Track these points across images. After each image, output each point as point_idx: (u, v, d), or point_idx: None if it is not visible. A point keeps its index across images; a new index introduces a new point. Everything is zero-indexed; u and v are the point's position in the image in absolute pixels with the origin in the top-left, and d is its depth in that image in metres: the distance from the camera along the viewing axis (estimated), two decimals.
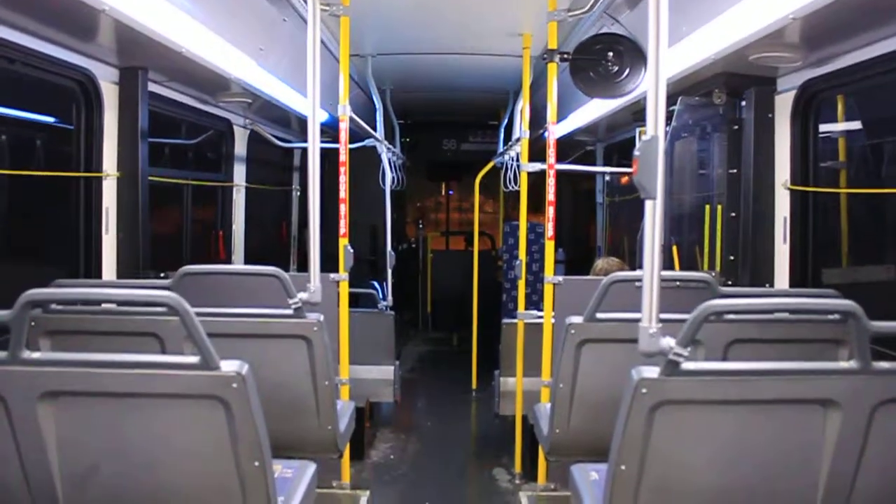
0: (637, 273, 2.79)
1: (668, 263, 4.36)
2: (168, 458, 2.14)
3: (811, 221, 3.81)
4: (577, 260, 8.68)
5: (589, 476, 2.68)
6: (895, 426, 2.02)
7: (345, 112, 4.28)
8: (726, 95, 4.04)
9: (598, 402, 3.02)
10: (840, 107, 3.76)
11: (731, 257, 4.12)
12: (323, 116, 4.99)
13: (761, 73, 3.79)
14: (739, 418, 2.07)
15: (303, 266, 7.11)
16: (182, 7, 3.37)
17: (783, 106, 3.84)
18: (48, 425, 2.06)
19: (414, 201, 12.43)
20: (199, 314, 2.03)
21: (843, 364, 2.02)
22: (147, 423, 2.10)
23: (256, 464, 2.11)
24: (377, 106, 6.70)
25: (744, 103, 4.04)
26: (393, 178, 6.97)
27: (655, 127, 1.99)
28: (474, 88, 7.73)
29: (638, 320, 2.01)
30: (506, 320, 5.51)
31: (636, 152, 2.01)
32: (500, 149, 8.27)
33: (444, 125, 11.02)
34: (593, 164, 7.83)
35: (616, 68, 4.51)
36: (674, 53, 3.61)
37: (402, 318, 8.67)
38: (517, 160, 5.91)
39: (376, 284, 7.39)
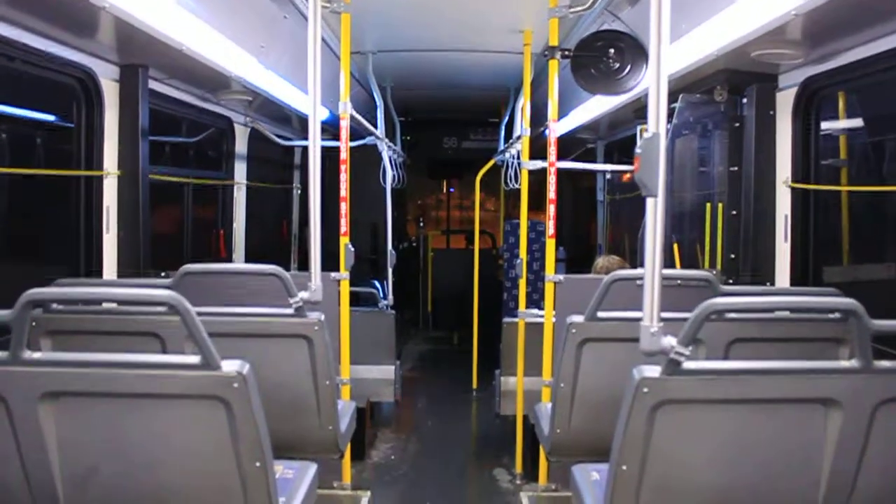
0: (638, 271, 2.78)
1: (668, 262, 4.36)
2: (169, 459, 2.14)
3: (812, 219, 3.81)
4: (577, 258, 8.68)
5: (590, 476, 2.68)
6: None
7: (346, 110, 4.27)
8: (727, 92, 4.03)
9: (600, 401, 3.02)
10: (841, 104, 3.75)
11: (732, 255, 4.12)
12: (324, 114, 4.99)
13: (763, 69, 3.78)
14: (741, 417, 2.07)
15: (303, 265, 7.12)
16: (183, 4, 3.37)
17: (784, 103, 3.83)
18: (49, 425, 2.05)
19: (415, 199, 12.42)
20: (199, 313, 2.02)
21: (845, 363, 2.02)
22: (148, 423, 2.10)
23: (257, 464, 2.11)
24: (378, 103, 6.69)
25: (745, 100, 4.04)
26: (394, 176, 6.97)
27: (657, 124, 1.98)
28: (475, 86, 7.72)
29: (639, 319, 2.00)
30: (506, 319, 5.51)
31: (638, 150, 2.00)
32: (501, 146, 8.26)
33: (444, 123, 11.00)
34: (594, 161, 7.82)
35: (617, 65, 4.50)
36: (675, 50, 3.60)
37: (402, 317, 8.67)
38: (518, 158, 5.90)
39: (377, 283, 7.39)
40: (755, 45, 3.29)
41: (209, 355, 2.00)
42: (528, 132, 5.16)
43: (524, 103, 5.27)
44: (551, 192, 4.48)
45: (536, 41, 5.05)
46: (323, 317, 3.03)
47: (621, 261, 4.76)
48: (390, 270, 6.37)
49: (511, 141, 6.95)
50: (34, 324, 2.74)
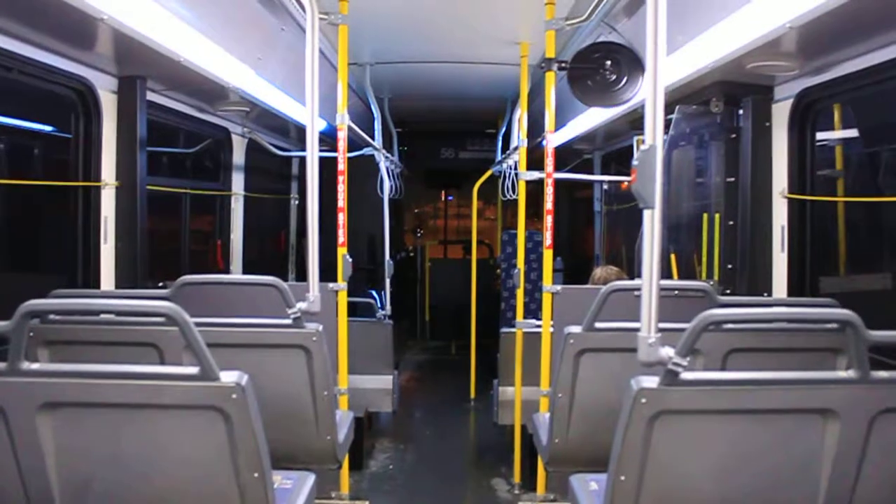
0: (636, 282, 2.79)
1: (666, 272, 4.37)
2: (167, 469, 2.13)
3: (809, 230, 3.82)
4: (575, 269, 8.69)
5: (588, 486, 2.67)
6: (894, 435, 2.02)
7: (343, 121, 4.27)
8: (723, 104, 4.05)
9: (597, 411, 3.01)
10: (837, 115, 3.77)
11: (730, 266, 4.12)
12: (321, 125, 4.99)
13: (758, 81, 3.80)
14: (738, 428, 2.07)
15: (301, 275, 7.12)
16: (180, 16, 3.38)
17: (780, 114, 3.85)
18: (47, 436, 2.05)
19: (412, 210, 12.44)
20: (197, 324, 2.02)
21: (842, 374, 2.02)
22: (146, 434, 2.10)
23: (256, 475, 2.10)
24: (375, 114, 6.71)
25: (741, 112, 4.05)
26: (391, 186, 6.98)
27: (653, 136, 1.99)
28: (472, 97, 7.74)
29: (637, 330, 2.01)
30: (504, 329, 5.51)
31: (635, 161, 2.01)
32: (499, 157, 8.28)
33: (441, 133, 11.03)
34: (591, 172, 7.83)
35: (614, 77, 4.51)
36: (671, 62, 3.62)
37: (400, 327, 8.67)
38: (515, 168, 5.92)
39: (375, 293, 7.39)
40: (751, 57, 3.31)
41: (207, 366, 2.00)
42: (525, 143, 5.18)
43: (521, 114, 5.29)
44: (548, 203, 4.49)
45: (533, 53, 5.07)
46: (321, 327, 3.03)
47: (619, 271, 4.77)
48: (388, 281, 6.37)
49: (508, 152, 6.97)
50: (32, 334, 2.73)
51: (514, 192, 6.70)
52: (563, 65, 4.47)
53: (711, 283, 4.07)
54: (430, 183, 11.99)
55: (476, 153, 11.09)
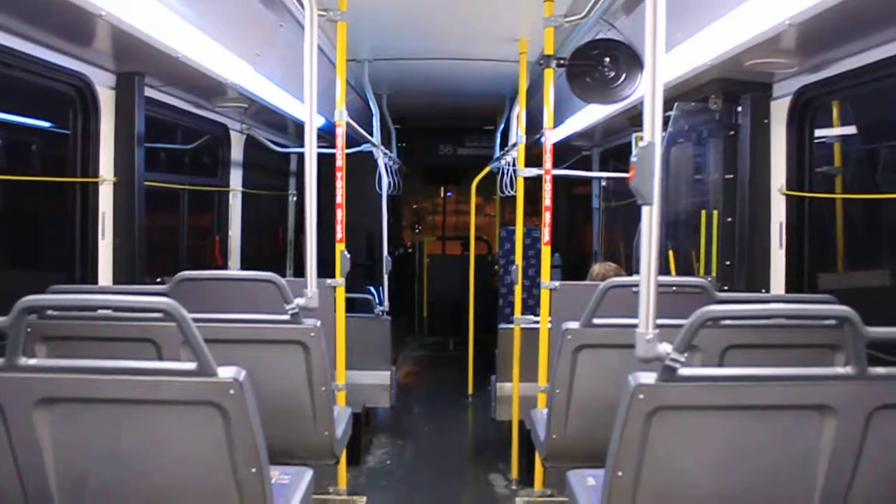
0: (634, 278, 2.79)
1: (664, 268, 4.37)
2: (165, 465, 2.13)
3: (807, 226, 3.82)
4: (573, 265, 8.69)
5: (586, 482, 2.68)
6: (891, 432, 2.02)
7: (341, 117, 4.27)
8: (722, 101, 4.05)
9: (595, 407, 3.02)
10: (835, 112, 3.77)
11: (728, 262, 4.13)
12: (319, 121, 4.99)
13: (757, 78, 3.80)
14: (736, 424, 2.07)
15: (299, 271, 7.12)
16: (179, 12, 3.37)
17: (779, 112, 3.85)
18: (44, 431, 2.05)
19: (410, 206, 12.43)
20: (195, 320, 2.03)
21: (840, 370, 2.03)
22: (144, 429, 2.10)
23: (254, 470, 2.11)
24: (373, 111, 6.70)
25: (740, 109, 4.05)
26: (389, 182, 6.98)
27: (652, 133, 1.99)
28: (471, 93, 7.74)
29: (635, 326, 2.01)
30: (502, 325, 5.51)
31: (633, 158, 2.01)
32: (497, 153, 8.28)
33: (440, 130, 11.02)
34: (589, 169, 7.84)
35: (612, 74, 4.51)
36: (670, 59, 3.62)
37: (398, 322, 8.67)
38: (513, 165, 5.92)
39: (373, 289, 7.39)
40: (749, 54, 3.31)
41: (205, 362, 2.00)
42: (523, 139, 5.17)
43: (520, 111, 5.28)
44: (547, 200, 4.49)
45: (532, 50, 5.06)
46: (319, 323, 3.03)
47: (617, 268, 4.77)
48: (386, 276, 6.37)
49: (507, 148, 6.97)
50: (29, 330, 2.73)
51: (512, 189, 6.69)
52: (562, 62, 4.47)
53: (709, 279, 4.07)
54: (428, 179, 11.98)
55: (475, 150, 11.08)
